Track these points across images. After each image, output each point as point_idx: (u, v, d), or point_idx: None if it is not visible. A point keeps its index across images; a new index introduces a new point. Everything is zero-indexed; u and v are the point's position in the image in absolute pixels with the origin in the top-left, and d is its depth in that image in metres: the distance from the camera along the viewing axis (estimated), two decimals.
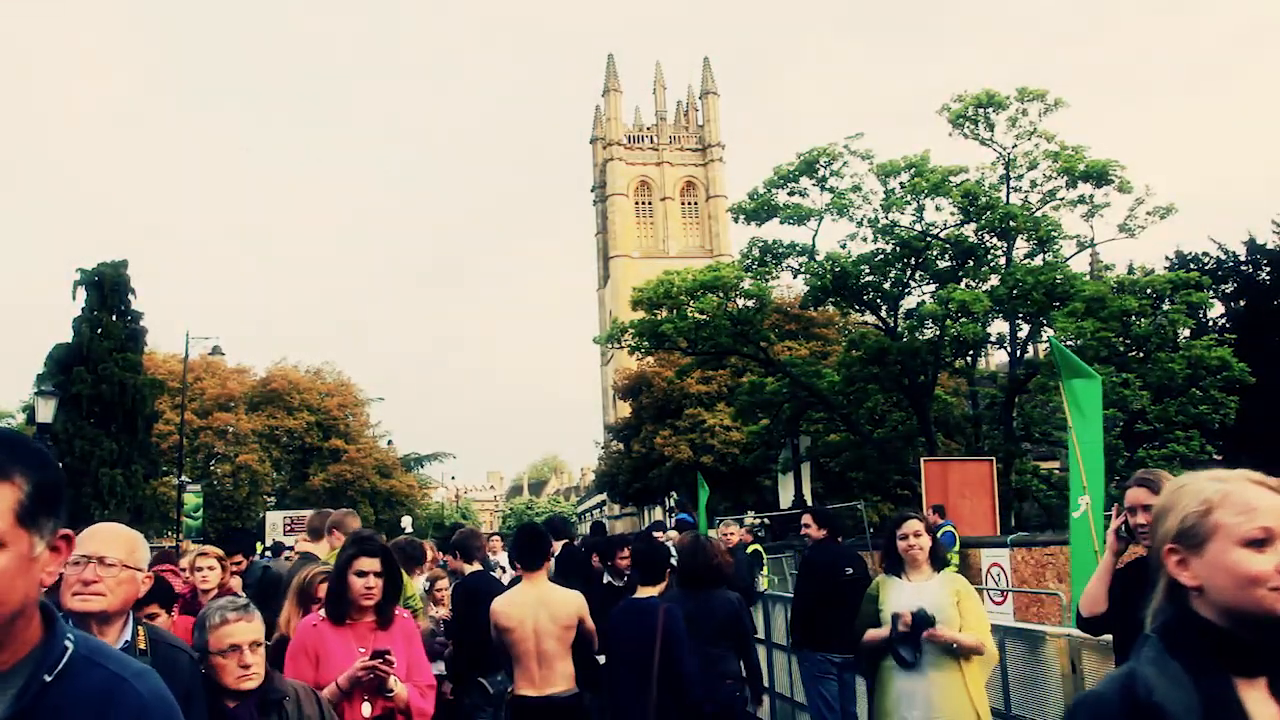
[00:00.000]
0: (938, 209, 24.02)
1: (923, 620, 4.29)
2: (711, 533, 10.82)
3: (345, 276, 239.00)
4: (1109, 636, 3.63)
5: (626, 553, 7.01)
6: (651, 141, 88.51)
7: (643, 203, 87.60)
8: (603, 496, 70.64)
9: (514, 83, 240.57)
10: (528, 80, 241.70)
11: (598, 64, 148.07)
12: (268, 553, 14.24)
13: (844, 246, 24.98)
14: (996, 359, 38.64)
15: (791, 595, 7.67)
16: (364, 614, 3.64)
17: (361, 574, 3.61)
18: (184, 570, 5.64)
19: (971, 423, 26.50)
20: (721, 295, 25.03)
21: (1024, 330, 24.91)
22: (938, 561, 4.60)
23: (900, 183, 23.79)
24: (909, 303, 25.57)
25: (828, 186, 24.74)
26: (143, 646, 2.62)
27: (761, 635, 8.55)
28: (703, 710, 4.86)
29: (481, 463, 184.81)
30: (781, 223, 25.07)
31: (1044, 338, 23.53)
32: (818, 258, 24.79)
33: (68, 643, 1.29)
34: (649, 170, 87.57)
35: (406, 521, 43.12)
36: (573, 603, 4.97)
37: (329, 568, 4.22)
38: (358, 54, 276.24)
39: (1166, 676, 1.36)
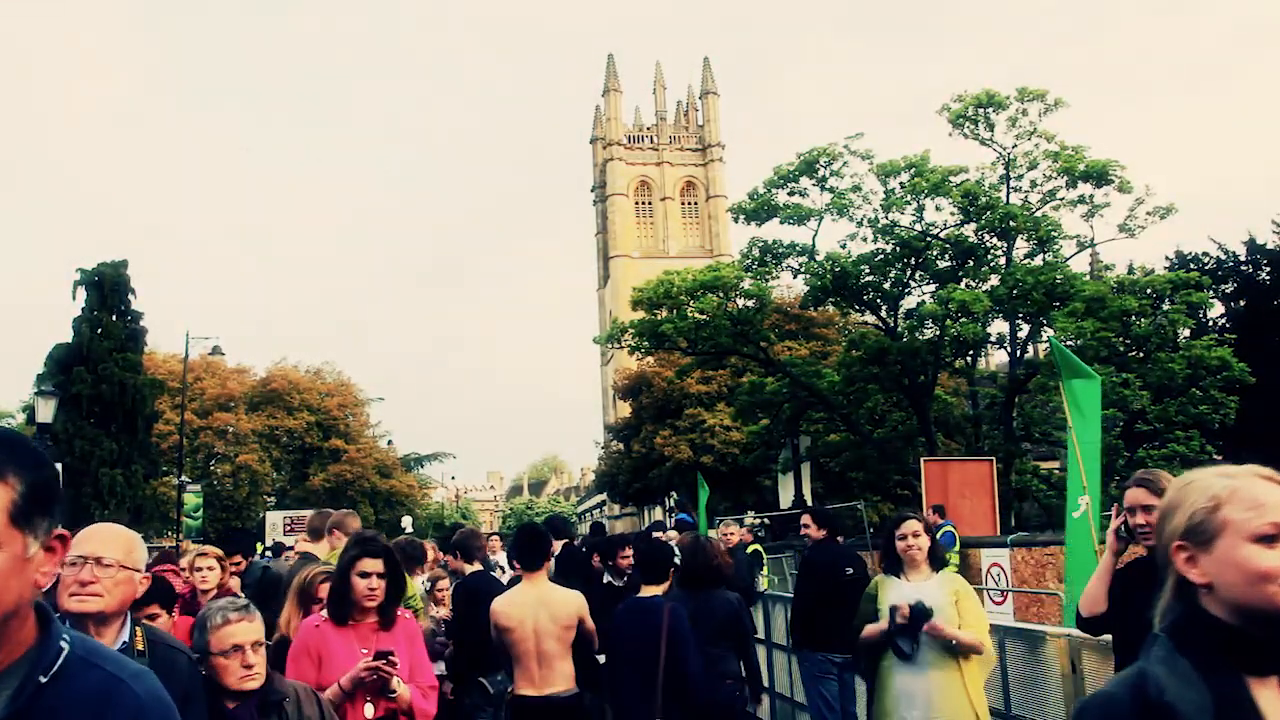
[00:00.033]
0: (938, 209, 24.05)
1: (920, 612, 4.30)
2: (711, 533, 10.83)
3: (345, 276, 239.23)
4: (1109, 636, 3.63)
5: (628, 552, 7.02)
6: (651, 141, 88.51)
7: (643, 203, 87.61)
8: (603, 496, 70.66)
9: (514, 83, 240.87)
10: (528, 80, 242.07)
11: (598, 64, 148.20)
12: (268, 553, 14.24)
13: (844, 246, 25.02)
14: (996, 359, 38.65)
15: (791, 595, 7.67)
16: (366, 615, 3.64)
17: (364, 575, 3.60)
18: (183, 570, 5.64)
19: (971, 423, 26.51)
20: (721, 295, 25.03)
21: (1024, 330, 24.91)
22: (936, 561, 4.61)
23: (900, 183, 23.80)
24: (909, 303, 25.59)
25: (828, 186, 24.75)
26: (141, 647, 2.61)
27: (761, 635, 8.56)
28: (706, 710, 4.87)
29: (481, 463, 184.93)
30: (781, 223, 25.09)
31: (1044, 338, 23.53)
32: (818, 258, 24.80)
33: (63, 643, 1.28)
34: (649, 170, 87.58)
35: (406, 521, 43.14)
36: (573, 603, 4.97)
37: (330, 567, 4.22)
38: (358, 54, 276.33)
39: (1177, 676, 1.34)
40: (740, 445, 34.92)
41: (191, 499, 34.56)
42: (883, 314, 25.86)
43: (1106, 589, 3.39)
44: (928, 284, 24.95)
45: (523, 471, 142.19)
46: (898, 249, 24.17)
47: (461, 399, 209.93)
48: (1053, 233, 23.32)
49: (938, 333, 23.30)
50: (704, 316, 25.11)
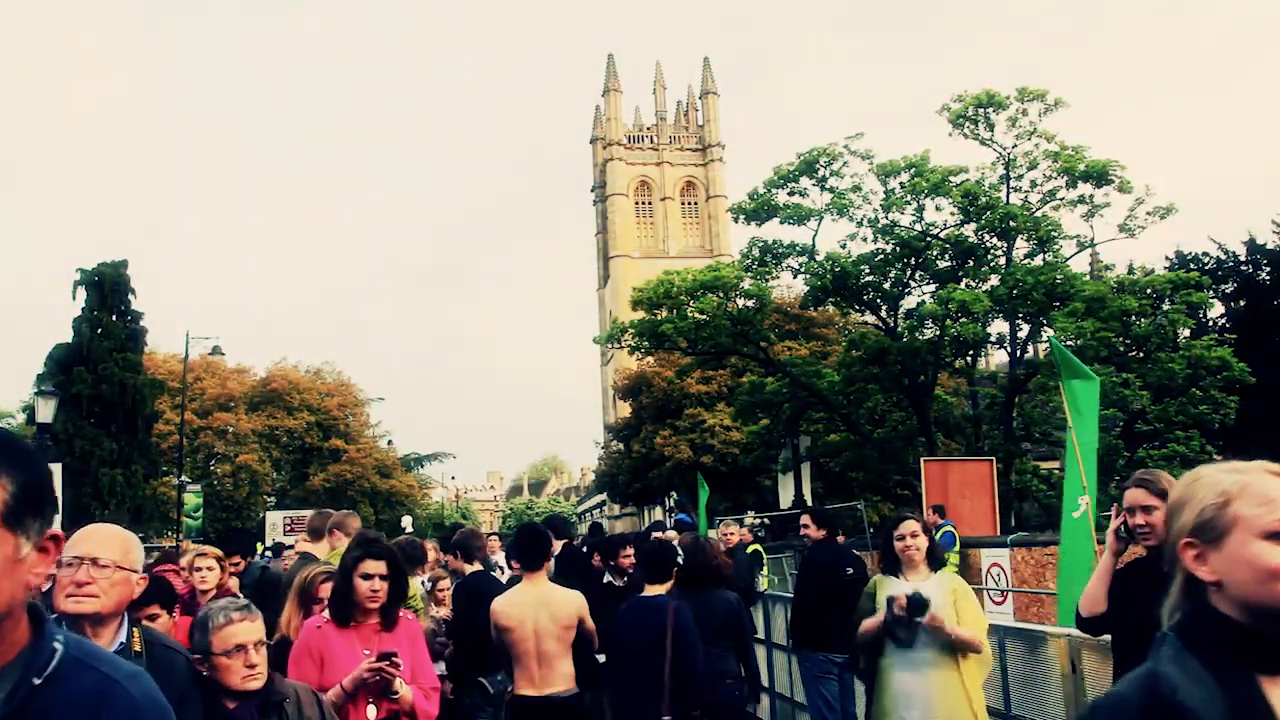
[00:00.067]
0: (938, 209, 24.06)
1: (917, 602, 4.33)
2: (711, 533, 10.84)
3: (345, 276, 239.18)
4: (1109, 637, 3.64)
5: (629, 551, 7.02)
6: (651, 141, 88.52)
7: (643, 203, 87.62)
8: (603, 496, 70.67)
9: (514, 83, 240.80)
10: (528, 80, 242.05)
11: (598, 64, 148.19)
12: (268, 553, 14.23)
13: (844, 246, 25.02)
14: (996, 359, 38.66)
15: (791, 595, 7.68)
16: (369, 616, 3.64)
17: (367, 576, 3.60)
18: (182, 570, 5.65)
19: (971, 423, 26.51)
20: (721, 295, 25.04)
21: (1024, 330, 24.92)
22: (935, 562, 4.63)
23: (900, 183, 23.80)
24: (909, 303, 25.60)
25: (828, 186, 24.76)
26: (138, 648, 2.60)
27: (761, 635, 8.56)
28: (709, 709, 4.87)
29: (481, 463, 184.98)
30: (781, 223, 25.10)
31: (1044, 338, 23.53)
32: (818, 258, 24.80)
33: (57, 645, 1.27)
34: (649, 170, 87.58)
35: (406, 521, 43.15)
36: (573, 603, 4.97)
37: (330, 567, 4.22)
38: (358, 54, 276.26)
39: (1189, 675, 1.31)
40: (740, 445, 34.92)
41: (191, 499, 34.57)
42: (883, 314, 25.87)
43: (1106, 589, 3.39)
44: (928, 284, 24.96)
45: (523, 471, 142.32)
46: (898, 249, 24.18)
47: (461, 399, 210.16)
48: (1053, 233, 23.33)
49: (938, 333, 23.31)
50: (704, 316, 25.12)
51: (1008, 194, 24.00)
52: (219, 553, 5.71)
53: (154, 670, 2.46)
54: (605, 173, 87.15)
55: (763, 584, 11.21)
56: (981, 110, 23.67)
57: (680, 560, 5.45)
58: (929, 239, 23.97)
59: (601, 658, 5.60)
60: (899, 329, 24.91)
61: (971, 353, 26.32)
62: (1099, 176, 22.82)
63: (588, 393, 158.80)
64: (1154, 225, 23.35)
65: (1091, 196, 23.48)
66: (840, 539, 8.75)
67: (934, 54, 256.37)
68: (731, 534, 9.41)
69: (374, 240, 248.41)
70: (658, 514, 46.17)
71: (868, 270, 24.51)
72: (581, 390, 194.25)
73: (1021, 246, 24.27)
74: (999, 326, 24.83)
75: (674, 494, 38.31)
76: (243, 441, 44.20)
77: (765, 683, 8.52)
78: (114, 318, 33.30)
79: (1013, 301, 22.01)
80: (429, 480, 63.29)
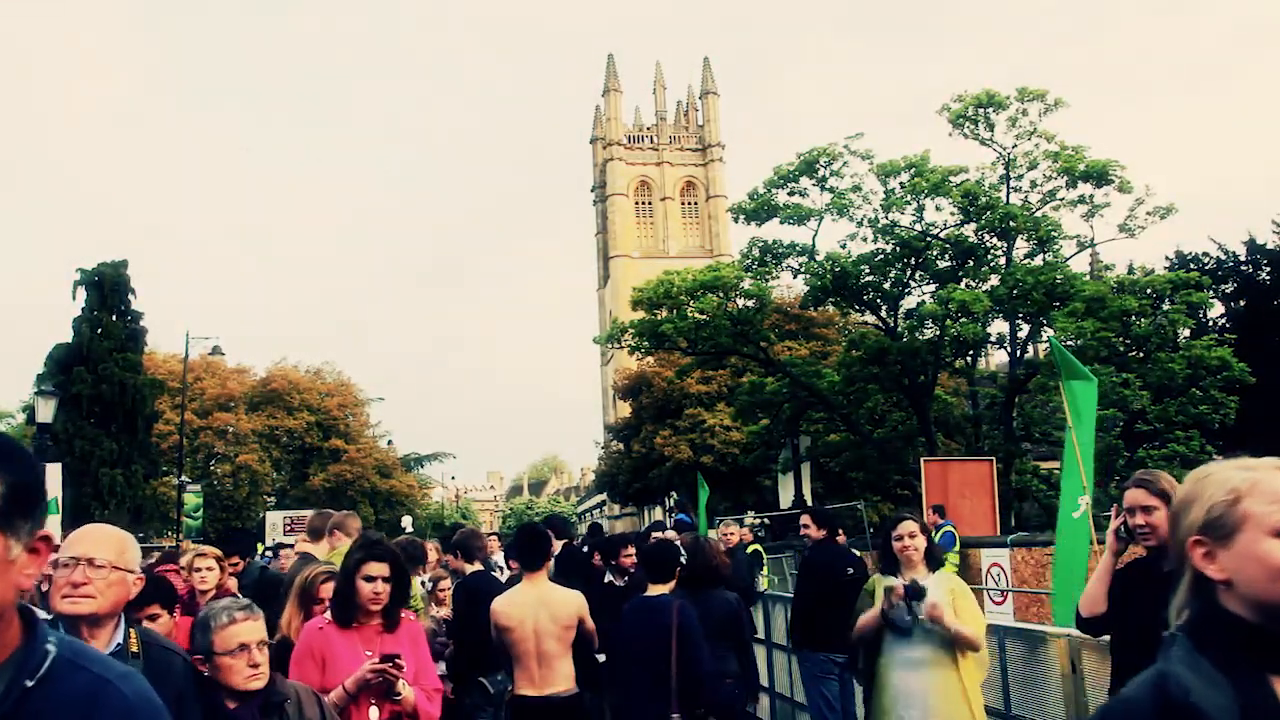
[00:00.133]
0: (938, 209, 24.05)
1: (915, 589, 4.36)
2: (711, 533, 10.84)
3: (345, 276, 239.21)
4: (1109, 637, 3.64)
5: (630, 550, 7.03)
6: (651, 141, 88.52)
7: (643, 203, 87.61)
8: (603, 496, 70.67)
9: (514, 83, 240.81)
10: (528, 80, 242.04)
11: (598, 64, 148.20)
12: (268, 553, 14.23)
13: (844, 246, 25.01)
14: (996, 359, 38.65)
15: (791, 595, 7.68)
16: (371, 617, 3.63)
17: (370, 579, 3.59)
18: (182, 570, 5.65)
19: (971, 423, 26.51)
20: (721, 295, 25.04)
21: (1024, 330, 24.91)
22: (933, 562, 4.66)
23: (900, 183, 23.80)
24: (909, 303, 25.59)
25: (828, 186, 24.75)
26: (135, 649, 2.59)
27: (761, 635, 8.56)
28: (712, 708, 4.88)
29: (481, 463, 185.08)
30: (781, 223, 25.09)
31: (1044, 338, 23.53)
32: (818, 258, 24.80)
33: (49, 646, 1.26)
34: (649, 170, 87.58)
35: (406, 521, 43.17)
36: (573, 602, 4.97)
37: (331, 567, 4.22)
38: (358, 54, 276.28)
39: (1201, 676, 1.28)
40: (740, 445, 34.92)
41: (191, 499, 34.58)
42: (883, 314, 25.86)
43: (1106, 589, 3.39)
44: (928, 284, 24.95)
45: (523, 471, 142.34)
46: (898, 249, 24.18)
47: (461, 399, 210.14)
48: (1053, 233, 23.32)
49: (938, 333, 23.30)
50: (704, 316, 25.11)
51: (1008, 194, 24.00)
52: (218, 553, 5.71)
53: (151, 671, 2.46)
54: (605, 173, 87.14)
55: (763, 584, 11.21)
56: (981, 110, 23.67)
57: (684, 560, 5.46)
58: (929, 239, 23.97)
59: (601, 658, 5.61)
60: (899, 329, 24.91)
61: (971, 353, 26.32)
62: (1099, 176, 22.82)
63: (588, 393, 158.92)
64: (1154, 225, 23.36)
65: (1091, 196, 23.49)
66: (841, 539, 8.75)
67: (934, 54, 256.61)
68: (731, 534, 9.41)
69: (374, 240, 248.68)
70: (658, 514, 46.17)
71: (868, 270, 24.51)
72: (581, 390, 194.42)
73: (1021, 246, 24.28)
74: (999, 326, 24.84)
75: (674, 494, 38.31)
76: (243, 441, 44.20)
77: (765, 683, 8.52)
78: (114, 318, 33.31)
79: (1013, 301, 22.01)
80: (429, 480, 63.31)
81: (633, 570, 6.84)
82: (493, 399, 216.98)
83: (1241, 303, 29.04)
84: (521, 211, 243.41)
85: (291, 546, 7.80)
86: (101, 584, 2.51)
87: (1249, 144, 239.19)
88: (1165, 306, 22.68)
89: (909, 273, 24.92)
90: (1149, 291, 22.43)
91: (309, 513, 9.87)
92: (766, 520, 25.73)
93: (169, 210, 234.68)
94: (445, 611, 6.41)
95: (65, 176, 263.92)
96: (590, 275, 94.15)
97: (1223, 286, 29.05)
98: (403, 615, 3.75)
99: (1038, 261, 23.29)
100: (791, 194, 25.06)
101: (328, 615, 3.70)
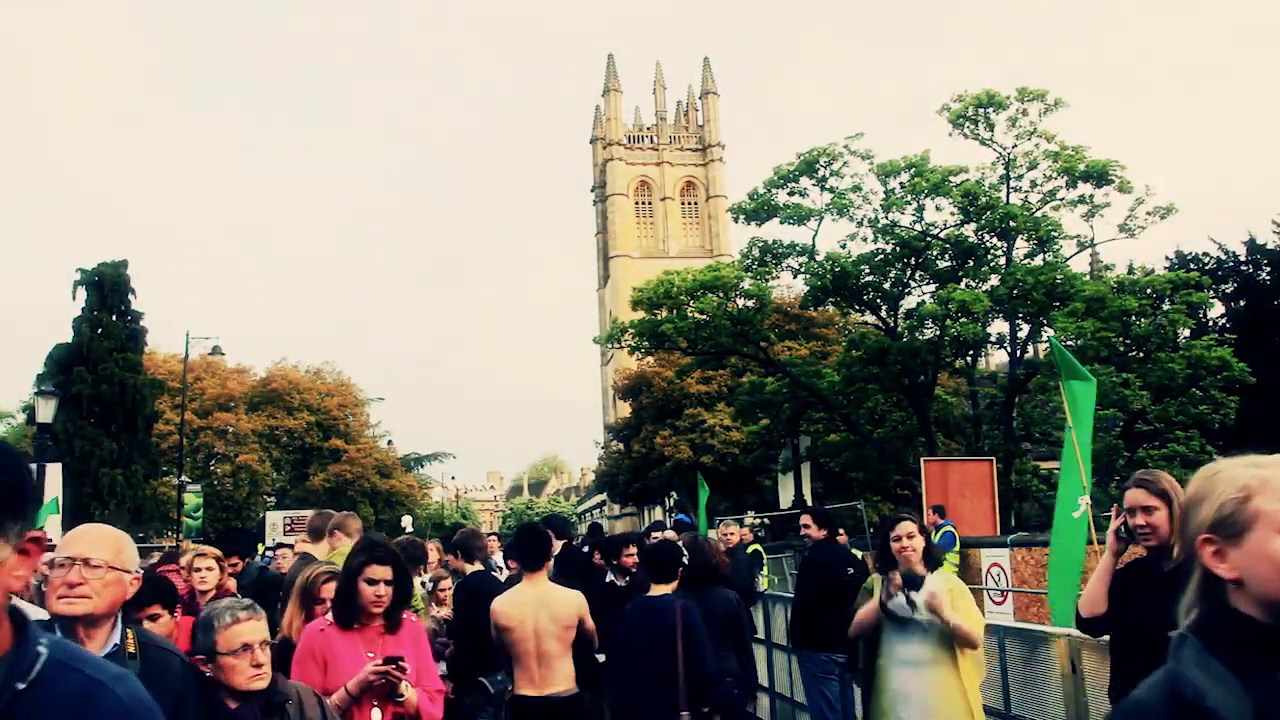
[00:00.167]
0: (938, 209, 24.05)
1: (912, 578, 4.40)
2: (711, 533, 10.83)
3: (345, 276, 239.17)
4: (1109, 637, 3.64)
5: (632, 550, 7.03)
6: (651, 141, 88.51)
7: (643, 203, 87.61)
8: (603, 496, 70.67)
9: (514, 83, 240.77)
10: (528, 80, 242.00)
11: (598, 64, 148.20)
12: (269, 553, 14.22)
13: (844, 246, 25.02)
14: (996, 359, 38.65)
15: (791, 595, 7.68)
16: (372, 619, 3.63)
17: (372, 581, 3.58)
18: (182, 570, 5.65)
19: (971, 423, 26.51)
20: (721, 295, 25.04)
21: (1024, 330, 24.91)
22: (931, 562, 4.68)
23: (900, 183, 23.80)
24: (909, 303, 25.59)
25: (828, 186, 24.75)
26: (132, 650, 2.58)
27: (761, 635, 8.56)
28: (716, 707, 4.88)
29: (481, 463, 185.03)
30: (781, 223, 25.09)
31: (1044, 338, 23.53)
32: (818, 258, 24.80)
33: (40, 648, 1.24)
34: (649, 170, 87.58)
35: (406, 521, 43.15)
36: (573, 602, 4.98)
37: (333, 567, 4.21)
38: (358, 54, 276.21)
39: (1214, 678, 1.25)
40: (740, 445, 34.92)
41: (191, 499, 34.58)
42: (883, 314, 25.87)
43: (1106, 590, 3.39)
44: (928, 284, 24.95)
45: (523, 471, 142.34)
46: (898, 249, 24.18)
47: (461, 399, 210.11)
48: (1053, 233, 23.32)
49: (938, 333, 23.31)
50: (704, 316, 25.12)
51: (1008, 194, 24.00)
52: (218, 553, 5.72)
53: (149, 671, 2.46)
54: (605, 173, 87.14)
55: (763, 584, 11.21)
56: (981, 110, 23.67)
57: (686, 560, 5.47)
58: (929, 239, 23.98)
59: (601, 657, 5.60)
60: (899, 329, 24.91)
61: (971, 353, 26.32)
62: (1099, 176, 22.82)
63: (588, 393, 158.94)
64: (1154, 225, 23.36)
65: (1091, 196, 23.49)
66: (843, 538, 8.76)
67: (934, 54, 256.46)
68: (731, 534, 9.41)
69: (374, 240, 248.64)
70: (658, 514, 46.18)
71: (868, 270, 24.51)
72: (581, 390, 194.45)
73: (1021, 246, 24.28)
74: (999, 326, 24.84)
75: (674, 494, 38.30)
76: (243, 441, 44.20)
77: (765, 683, 8.52)
78: (114, 318, 33.32)
79: (1013, 301, 22.01)
80: (429, 480, 63.31)
81: (634, 570, 6.83)
82: (493, 399, 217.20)
83: (1241, 303, 29.04)
84: (521, 211, 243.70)
85: (290, 546, 7.80)
86: (98, 584, 2.50)
87: (1249, 144, 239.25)
88: (1165, 306, 22.68)
89: (909, 273, 24.92)
90: (1149, 291, 22.43)
91: (309, 513, 9.88)
92: (766, 520, 25.72)
93: (169, 210, 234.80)
94: (446, 611, 6.41)
95: (65, 176, 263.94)
96: (590, 275, 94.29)
97: (1223, 286, 29.05)
98: (404, 616, 3.74)
99: (1038, 261, 23.30)
100: (791, 194, 25.07)
101: (329, 617, 3.69)
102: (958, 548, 14.15)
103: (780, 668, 8.57)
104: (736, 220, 26.27)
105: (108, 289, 33.07)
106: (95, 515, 25.40)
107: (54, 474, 15.25)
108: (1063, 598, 6.44)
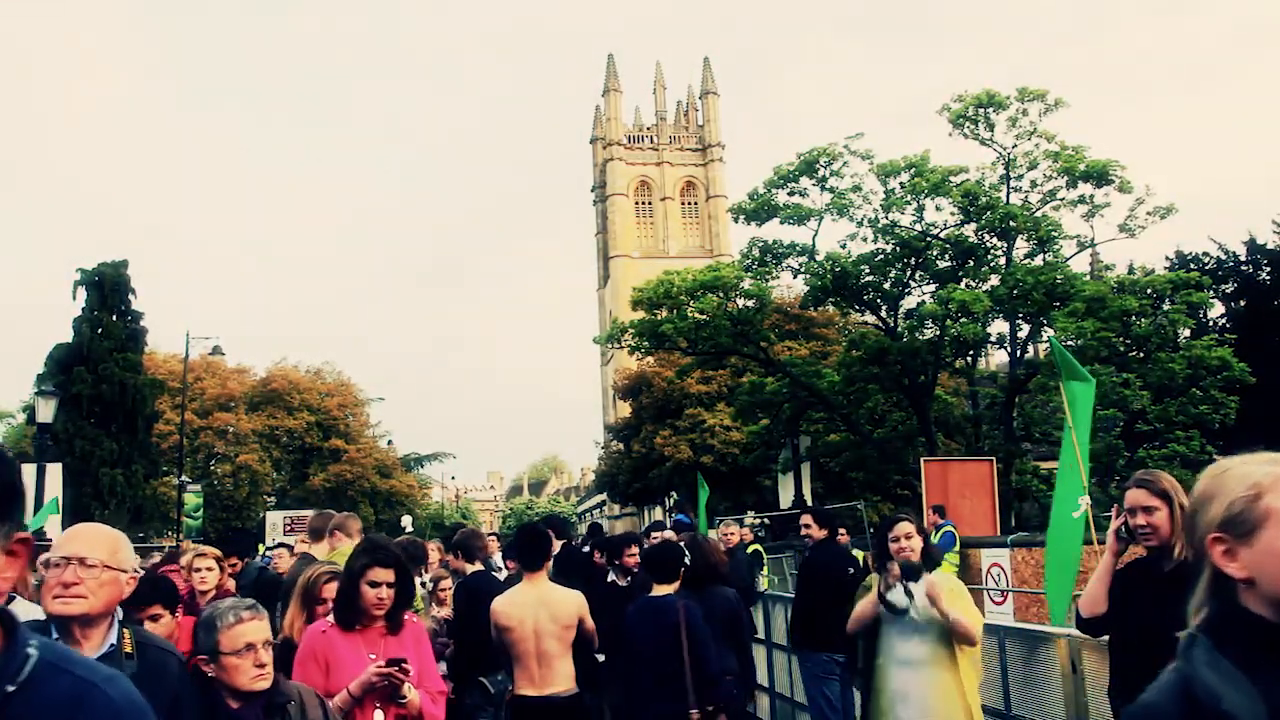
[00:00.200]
0: (938, 209, 24.04)
1: (909, 570, 4.41)
2: (711, 533, 10.83)
3: (345, 276, 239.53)
4: (1109, 637, 3.64)
5: (634, 550, 7.03)
6: (651, 141, 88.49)
7: (643, 203, 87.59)
8: (603, 496, 70.66)
9: (514, 83, 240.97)
10: (528, 80, 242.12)
11: (598, 64, 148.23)
12: (269, 553, 14.22)
13: (844, 246, 25.01)
14: (996, 359, 38.65)
15: (791, 595, 7.67)
16: (374, 620, 3.62)
17: (375, 584, 3.57)
18: (182, 570, 5.66)
19: (971, 423, 26.51)
20: (721, 295, 25.03)
21: (1024, 330, 24.91)
22: (930, 562, 4.68)
23: (900, 183, 23.79)
24: (909, 303, 25.59)
25: (828, 186, 24.75)
26: (129, 650, 2.56)
27: (761, 635, 8.56)
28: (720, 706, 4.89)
29: (481, 463, 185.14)
30: (781, 223, 25.08)
31: (1044, 338, 23.52)
32: (818, 258, 24.80)
33: (30, 650, 1.22)
34: (649, 170, 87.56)
35: (406, 521, 43.15)
36: (573, 602, 4.98)
37: (334, 568, 4.21)
38: (358, 54, 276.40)
39: (1226, 679, 1.23)
40: (740, 445, 34.91)
41: (191, 499, 34.58)
42: (883, 314, 25.86)
43: (1107, 590, 3.39)
44: (928, 284, 24.95)
45: (523, 471, 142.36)
46: (898, 249, 24.17)
47: (461, 399, 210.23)
48: (1053, 233, 23.31)
49: (938, 333, 23.30)
50: (704, 316, 25.11)
51: (1008, 194, 24.00)
52: (218, 553, 5.72)
53: (146, 671, 2.45)
54: (605, 173, 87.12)
55: (763, 584, 11.21)
56: (981, 110, 23.66)
57: (688, 560, 5.47)
58: (929, 239, 23.97)
59: (601, 657, 5.61)
60: (899, 329, 24.91)
61: (971, 353, 26.32)
62: (1099, 176, 22.81)
63: (588, 393, 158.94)
64: (1154, 225, 23.35)
65: (1091, 196, 23.48)
66: (843, 538, 8.75)
67: (934, 54, 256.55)
68: (731, 534, 9.41)
69: (374, 240, 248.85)
70: (658, 514, 46.17)
71: (868, 270, 24.51)
72: (581, 390, 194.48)
73: (1021, 246, 24.27)
74: (999, 326, 24.84)
75: (674, 494, 38.31)
76: (243, 441, 44.19)
77: (765, 683, 8.53)
78: (114, 318, 33.30)
79: (1013, 301, 22.00)
80: (429, 480, 63.29)
81: (636, 570, 6.83)
82: (493, 399, 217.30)
83: (1241, 303, 29.04)
84: (521, 211, 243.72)
85: (288, 546, 7.80)
86: (94, 584, 2.48)
87: (1249, 144, 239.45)
88: (1165, 306, 22.68)
89: (909, 273, 24.92)
90: (1149, 291, 22.42)
91: (309, 513, 9.88)
92: (766, 520, 25.72)
93: (169, 210, 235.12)
94: (446, 611, 6.41)
95: (65, 176, 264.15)
96: (590, 275, 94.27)
97: (1223, 286, 29.05)
98: (406, 617, 3.74)
99: (1038, 261, 23.29)
100: (791, 194, 25.06)
101: (330, 618, 3.69)
102: (958, 548, 14.14)
103: (780, 668, 8.57)
104: (736, 220, 26.27)
105: (108, 289, 33.05)
106: (95, 515, 25.39)
107: (54, 474, 15.23)
108: (1059, 597, 6.44)
